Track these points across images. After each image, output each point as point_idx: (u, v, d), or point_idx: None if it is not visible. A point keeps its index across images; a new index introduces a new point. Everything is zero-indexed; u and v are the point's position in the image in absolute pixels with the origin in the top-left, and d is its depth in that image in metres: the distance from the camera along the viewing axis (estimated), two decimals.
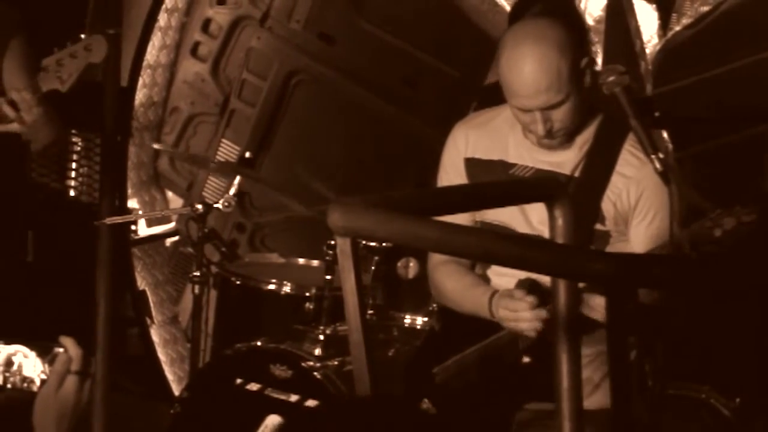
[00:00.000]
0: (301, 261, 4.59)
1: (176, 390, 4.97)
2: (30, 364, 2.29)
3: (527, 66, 2.81)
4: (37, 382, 2.28)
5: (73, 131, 4.98)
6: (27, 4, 3.78)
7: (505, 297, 2.91)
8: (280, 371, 3.77)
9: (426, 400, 3.08)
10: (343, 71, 5.13)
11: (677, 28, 4.71)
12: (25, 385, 2.29)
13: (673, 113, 4.60)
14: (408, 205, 1.92)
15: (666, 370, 2.81)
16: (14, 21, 3.69)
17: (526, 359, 2.96)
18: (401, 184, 4.97)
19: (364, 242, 3.83)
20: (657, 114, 4.48)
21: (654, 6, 4.71)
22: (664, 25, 4.71)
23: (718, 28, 4.64)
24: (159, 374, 5.08)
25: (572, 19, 3.75)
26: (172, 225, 5.29)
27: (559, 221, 2.06)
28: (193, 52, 5.18)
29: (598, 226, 2.95)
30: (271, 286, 4.19)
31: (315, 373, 3.72)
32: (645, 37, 4.72)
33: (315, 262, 4.48)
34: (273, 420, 3.33)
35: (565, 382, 2.04)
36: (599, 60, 4.70)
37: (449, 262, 3.12)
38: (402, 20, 5.09)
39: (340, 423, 1.49)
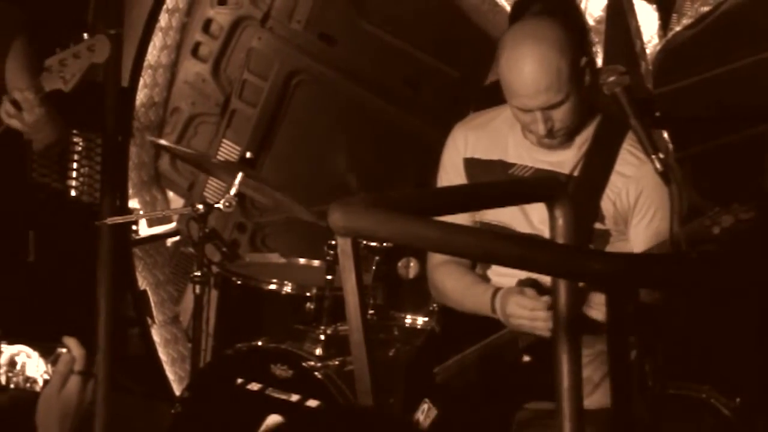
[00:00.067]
0: (302, 261, 4.59)
1: (177, 390, 4.97)
2: (33, 365, 2.29)
3: (527, 66, 2.81)
4: (40, 383, 2.28)
5: (74, 131, 4.97)
6: (29, 4, 3.78)
7: (516, 294, 2.89)
8: (280, 371, 3.77)
9: (426, 400, 3.09)
10: (344, 71, 5.13)
11: (677, 29, 4.72)
12: (29, 385, 2.29)
13: (673, 113, 4.60)
14: (408, 205, 1.92)
15: (666, 370, 2.81)
16: (17, 21, 3.69)
17: (526, 358, 2.97)
18: (401, 184, 4.97)
19: (364, 242, 3.84)
20: (657, 114, 4.48)
21: (654, 6, 4.71)
22: (665, 25, 4.71)
23: (718, 29, 4.65)
24: (160, 374, 5.08)
25: (572, 18, 3.76)
26: (173, 225, 5.29)
27: (560, 221, 2.06)
28: (194, 52, 5.18)
29: (598, 226, 2.95)
30: (272, 286, 4.19)
31: (316, 373, 3.73)
32: (645, 38, 4.73)
33: (316, 262, 4.48)
34: (273, 420, 3.33)
35: (565, 381, 2.04)
36: (599, 60, 4.70)
37: (449, 262, 3.12)
38: (402, 20, 5.09)
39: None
